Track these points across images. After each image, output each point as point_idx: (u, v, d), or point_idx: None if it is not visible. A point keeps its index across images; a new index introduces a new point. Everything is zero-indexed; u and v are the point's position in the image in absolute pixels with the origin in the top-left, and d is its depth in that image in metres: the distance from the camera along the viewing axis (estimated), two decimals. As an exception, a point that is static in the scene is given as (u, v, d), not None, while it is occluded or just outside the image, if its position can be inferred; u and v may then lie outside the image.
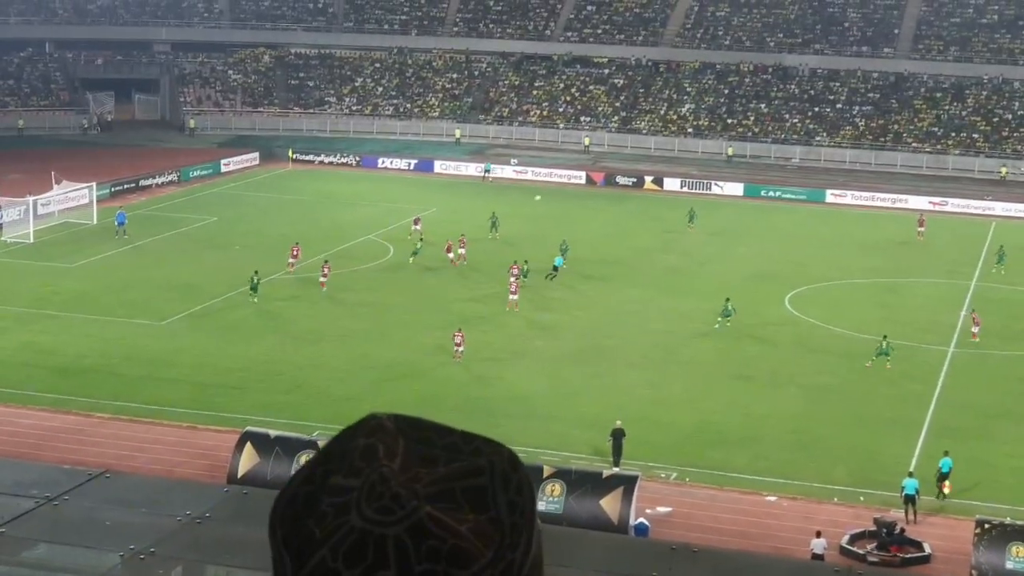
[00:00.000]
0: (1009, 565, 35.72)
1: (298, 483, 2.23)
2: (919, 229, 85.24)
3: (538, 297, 67.44)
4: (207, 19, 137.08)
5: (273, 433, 42.22)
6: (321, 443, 36.84)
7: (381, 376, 54.40)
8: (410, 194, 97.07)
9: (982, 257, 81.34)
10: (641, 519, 38.95)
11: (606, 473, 40.25)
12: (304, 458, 39.83)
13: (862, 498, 43.21)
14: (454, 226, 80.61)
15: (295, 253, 71.84)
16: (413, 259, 73.14)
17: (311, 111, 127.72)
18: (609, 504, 38.13)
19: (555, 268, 70.86)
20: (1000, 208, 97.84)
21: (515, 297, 64.82)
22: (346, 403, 50.74)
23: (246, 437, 41.73)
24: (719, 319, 62.24)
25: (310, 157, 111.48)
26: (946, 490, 42.86)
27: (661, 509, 41.25)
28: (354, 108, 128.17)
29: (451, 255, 73.81)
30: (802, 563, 32.32)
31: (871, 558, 37.93)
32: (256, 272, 65.56)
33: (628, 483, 38.92)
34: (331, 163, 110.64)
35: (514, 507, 2.16)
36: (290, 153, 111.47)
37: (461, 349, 56.58)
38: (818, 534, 37.84)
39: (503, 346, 59.14)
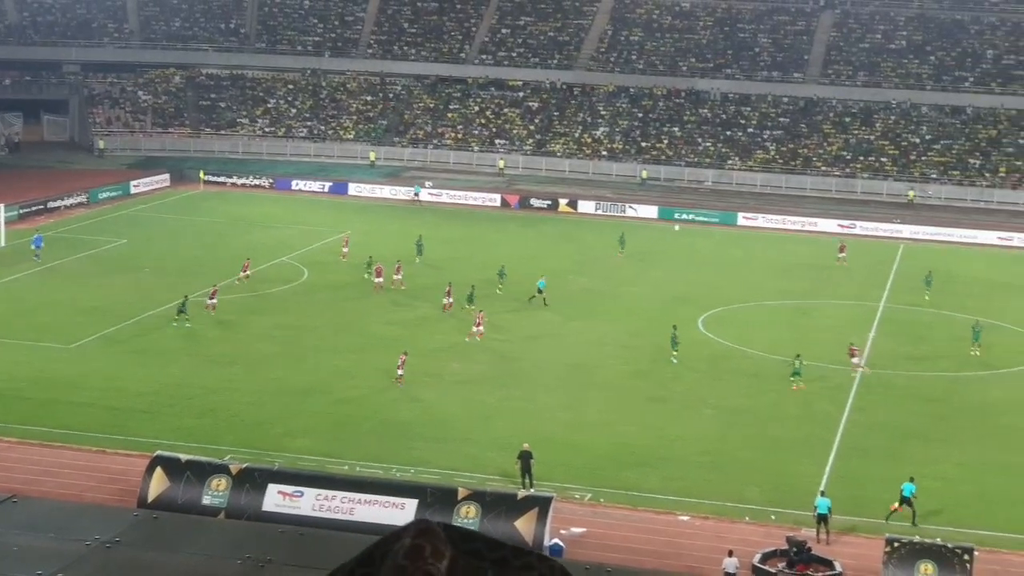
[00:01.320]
0: (917, 582, 36.17)
1: None
2: (840, 255, 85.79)
3: (455, 320, 67.40)
4: (117, 39, 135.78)
5: (184, 457, 41.79)
6: (233, 468, 36.42)
7: (294, 400, 54.07)
8: (325, 217, 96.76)
9: (890, 279, 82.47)
10: (556, 540, 39.02)
11: (521, 495, 40.29)
12: (216, 483, 39.58)
13: (773, 517, 43.60)
14: (368, 249, 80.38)
15: (246, 268, 74.17)
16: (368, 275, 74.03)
17: (223, 132, 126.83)
18: (524, 525, 38.15)
19: (539, 291, 70.78)
20: (908, 231, 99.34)
21: (479, 328, 64.04)
22: (258, 428, 50.48)
23: (156, 461, 41.28)
24: (674, 353, 62.05)
25: (222, 179, 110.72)
26: (891, 509, 43.23)
27: (575, 530, 41.35)
28: (267, 130, 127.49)
29: (379, 279, 73.43)
30: (715, 582, 32.51)
31: (782, 576, 38.25)
32: (186, 296, 64.97)
33: (543, 504, 38.98)
34: (244, 185, 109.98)
35: None
36: (201, 175, 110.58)
37: (401, 372, 56.25)
38: (730, 553, 38.11)
39: (419, 368, 58.97)
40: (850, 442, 51.54)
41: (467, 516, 38.27)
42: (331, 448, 48.23)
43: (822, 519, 41.58)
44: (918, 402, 57.36)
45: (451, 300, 69.03)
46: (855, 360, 61.47)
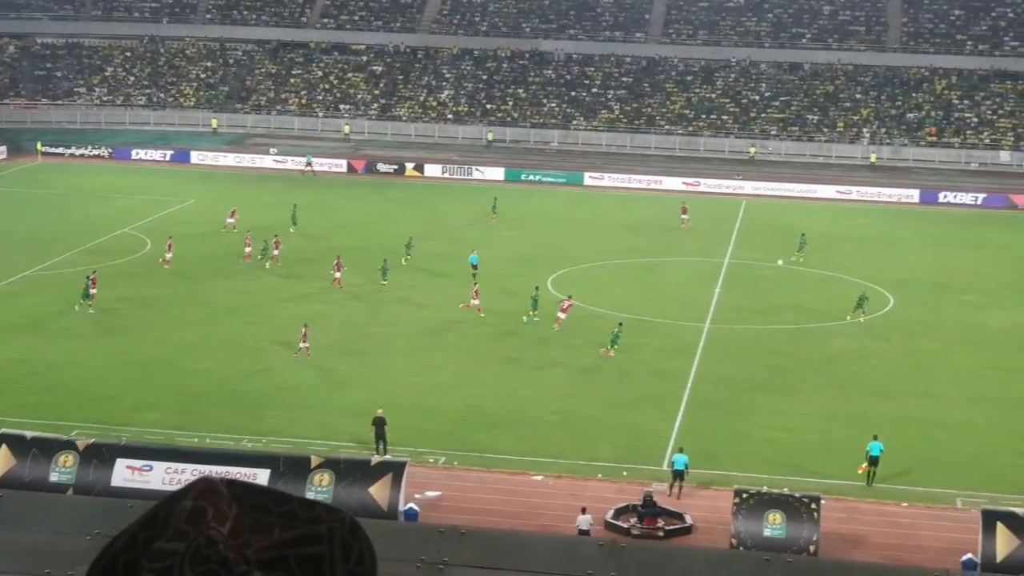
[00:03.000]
0: (767, 532, 36.89)
1: (119, 547, 2.09)
2: (683, 216, 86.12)
3: (300, 286, 66.88)
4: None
5: (29, 434, 40.94)
6: (80, 443, 35.72)
7: (141, 373, 53.25)
8: (167, 186, 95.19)
9: (734, 235, 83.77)
10: (411, 504, 39.05)
11: (374, 461, 40.23)
12: (63, 459, 38.85)
13: (625, 473, 44.15)
14: (214, 218, 79.26)
15: (232, 213, 78.25)
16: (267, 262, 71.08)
17: (60, 102, 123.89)
18: (378, 491, 38.13)
19: (473, 266, 69.52)
20: (750, 187, 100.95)
21: (476, 302, 62.93)
22: (105, 402, 49.64)
23: (1, 439, 40.38)
24: (531, 313, 62.16)
25: (60, 150, 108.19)
26: (860, 471, 43.74)
27: (430, 493, 41.43)
28: (105, 98, 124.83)
29: (248, 248, 72.41)
30: (568, 539, 32.83)
31: (634, 531, 38.76)
32: (88, 277, 62.84)
33: (397, 469, 38.97)
34: (83, 155, 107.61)
35: None
36: (39, 146, 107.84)
37: (306, 345, 55.47)
38: (584, 510, 38.50)
39: (268, 337, 58.49)
40: (698, 396, 52.36)
41: (321, 484, 38.11)
42: (180, 421, 47.64)
43: (678, 475, 42.09)
44: (763, 355, 58.43)
45: (340, 274, 67.08)
46: (563, 316, 61.13)
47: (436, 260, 73.73)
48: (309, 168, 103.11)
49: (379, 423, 44.96)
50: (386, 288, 66.29)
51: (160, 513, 2.10)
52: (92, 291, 61.97)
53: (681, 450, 43.17)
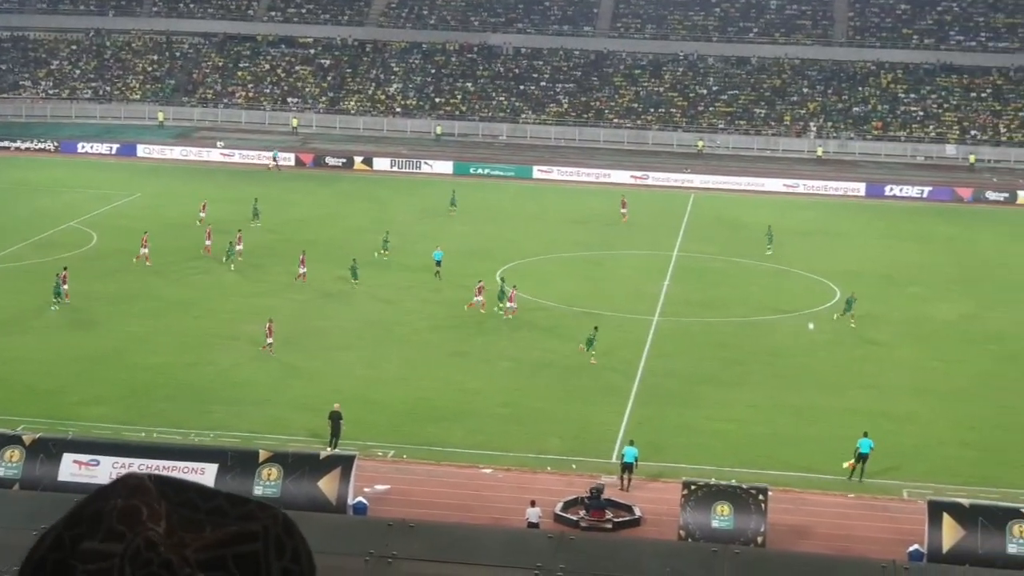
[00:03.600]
0: (714, 524, 37.08)
1: (45, 549, 2.04)
2: (622, 210, 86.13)
3: (250, 280, 66.58)
4: None
5: (-26, 430, 40.56)
6: (26, 438, 35.38)
7: (88, 368, 52.87)
8: (113, 179, 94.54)
9: (682, 228, 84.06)
10: (360, 498, 38.98)
11: (323, 455, 40.12)
12: (9, 454, 38.54)
13: (574, 466, 44.23)
14: (158, 211, 78.77)
15: (204, 207, 77.71)
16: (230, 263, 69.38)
17: (5, 95, 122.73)
18: (327, 485, 38.03)
19: (437, 263, 68.48)
20: (698, 180, 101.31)
21: (480, 298, 62.23)
22: (52, 397, 49.23)
23: (-55, 436, 40.00)
24: (500, 305, 62.21)
25: (5, 143, 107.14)
26: (846, 466, 43.71)
27: (379, 487, 41.38)
28: (51, 92, 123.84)
29: (208, 242, 71.80)
30: (517, 531, 32.88)
31: (583, 524, 38.86)
32: (58, 274, 61.95)
33: (345, 463, 38.88)
34: (28, 149, 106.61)
35: (289, 575, 2.09)
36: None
37: (271, 340, 54.98)
38: (533, 503, 38.56)
39: (215, 331, 58.22)
40: (647, 389, 52.52)
41: (269, 478, 37.99)
42: (127, 415, 47.35)
43: (627, 467, 42.16)
44: (711, 348, 58.68)
45: (305, 270, 66.24)
46: (480, 298, 61.59)
47: (383, 253, 73.52)
48: (275, 164, 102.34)
49: (335, 417, 44.81)
50: (357, 287, 65.34)
51: (85, 511, 2.06)
52: (64, 287, 61.09)
53: (631, 443, 43.22)
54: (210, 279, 67.20)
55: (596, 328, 56.53)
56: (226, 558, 2.04)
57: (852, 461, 43.85)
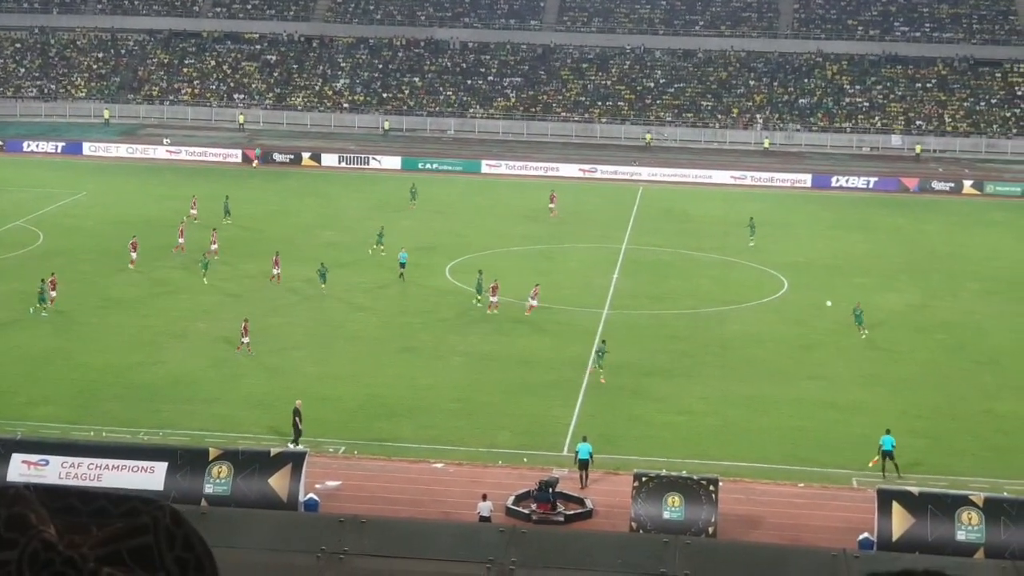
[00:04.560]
0: (666, 515, 37.20)
1: None
2: (551, 205, 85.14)
3: (197, 277, 66.18)
4: None
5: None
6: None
7: (35, 368, 52.43)
8: (59, 178, 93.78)
9: (631, 221, 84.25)
10: (311, 495, 38.88)
11: (274, 451, 39.95)
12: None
13: (526, 459, 44.27)
14: (105, 210, 78.16)
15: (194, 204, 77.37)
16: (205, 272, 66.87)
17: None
18: (278, 482, 37.88)
19: (401, 264, 67.39)
20: (646, 173, 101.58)
21: (495, 298, 61.37)
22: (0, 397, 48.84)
23: None
24: (476, 297, 62.04)
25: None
26: (872, 464, 43.78)
27: (330, 483, 41.28)
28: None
29: (181, 240, 71.34)
30: (469, 526, 32.85)
31: (535, 517, 38.90)
32: (44, 280, 60.86)
33: (296, 460, 38.75)
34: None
35: (184, 564, 2.09)
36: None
37: (247, 340, 54.60)
38: (484, 497, 38.56)
39: (163, 329, 57.87)
40: (597, 382, 52.55)
41: (219, 476, 37.80)
42: (75, 415, 47.02)
43: (583, 464, 42.10)
44: (661, 340, 58.86)
45: (278, 270, 65.22)
46: (495, 299, 61.27)
47: (334, 250, 73.26)
48: (258, 162, 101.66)
49: (296, 414, 44.61)
50: (325, 290, 64.02)
51: None
52: (52, 294, 59.89)
53: (584, 439, 43.08)
54: (156, 276, 66.75)
55: (604, 342, 54.40)
56: (121, 552, 2.06)
57: (877, 458, 43.92)
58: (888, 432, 44.20)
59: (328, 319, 60.36)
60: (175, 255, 70.54)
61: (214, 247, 70.39)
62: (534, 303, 60.86)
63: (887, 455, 43.70)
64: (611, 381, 52.53)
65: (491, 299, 61.39)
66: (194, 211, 79.07)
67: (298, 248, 72.00)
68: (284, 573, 22.05)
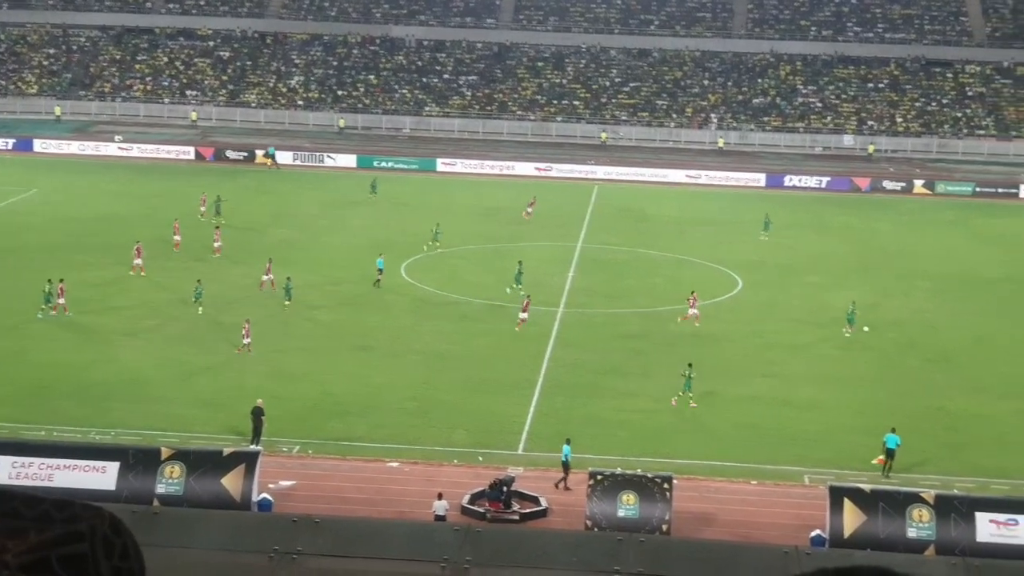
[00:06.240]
0: (620, 513, 37.27)
1: None
2: (528, 209, 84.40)
3: (154, 276, 65.78)
4: None
5: None
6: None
7: (-15, 366, 51.97)
8: (9, 175, 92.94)
9: (587, 219, 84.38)
10: (264, 494, 38.71)
11: (226, 451, 39.75)
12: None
13: (481, 458, 44.24)
14: (56, 208, 77.55)
15: (203, 201, 78.03)
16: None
17: None
18: (231, 482, 37.68)
19: (379, 270, 66.03)
20: (602, 172, 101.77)
21: (525, 315, 59.35)
22: (-52, 396, 48.38)
23: None
24: (511, 286, 62.18)
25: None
26: (878, 463, 43.82)
27: (284, 483, 41.11)
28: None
29: (177, 237, 71.31)
30: (424, 525, 32.81)
31: (489, 516, 38.89)
32: (49, 281, 59.90)
33: (250, 460, 38.56)
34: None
35: (119, 574, 2.07)
36: None
37: (248, 341, 54.17)
38: (440, 496, 38.51)
39: (114, 328, 57.48)
40: (553, 380, 52.66)
41: (172, 476, 37.57)
42: (26, 414, 46.58)
43: (565, 466, 41.91)
44: (616, 339, 58.96)
45: (270, 276, 63.93)
46: (525, 315, 59.66)
47: (287, 248, 73.02)
48: (273, 162, 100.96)
49: (257, 413, 44.36)
50: (289, 307, 61.60)
51: None
52: (60, 300, 58.69)
53: (568, 441, 42.73)
54: (107, 274, 66.26)
55: (690, 365, 51.17)
56: (50, 560, 2.04)
57: (882, 457, 44.06)
58: (893, 431, 44.35)
59: (282, 317, 60.09)
60: (176, 253, 70.25)
61: (217, 244, 70.58)
62: (525, 315, 59.86)
63: (890, 454, 43.92)
64: (566, 379, 52.62)
65: (522, 315, 59.33)
66: (203, 208, 79.54)
67: (251, 246, 71.62)
68: (237, 573, 21.95)
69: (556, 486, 41.72)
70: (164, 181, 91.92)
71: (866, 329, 60.57)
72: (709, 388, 51.99)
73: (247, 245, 71.51)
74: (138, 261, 66.47)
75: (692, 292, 62.09)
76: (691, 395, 50.35)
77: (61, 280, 60.00)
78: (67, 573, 2.02)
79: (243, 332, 54.59)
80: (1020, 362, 57.12)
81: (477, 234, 78.68)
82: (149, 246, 68.41)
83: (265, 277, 64.25)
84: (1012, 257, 77.66)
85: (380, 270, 66.34)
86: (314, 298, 63.24)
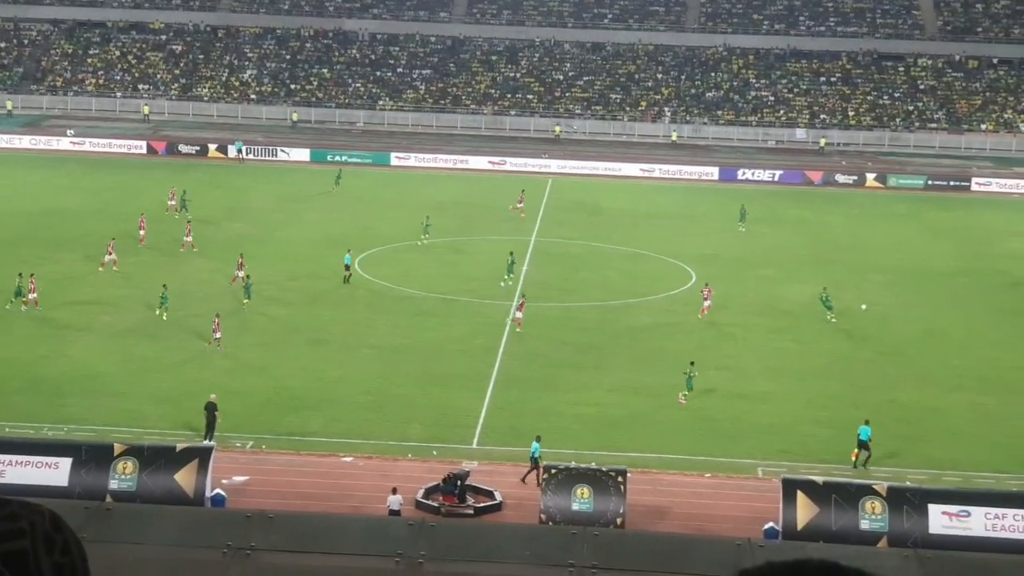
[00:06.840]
0: (575, 506, 37.34)
1: None
2: (518, 204, 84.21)
3: (108, 272, 65.37)
4: None
5: None
6: None
7: (-65, 362, 51.52)
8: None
9: (540, 213, 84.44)
10: (218, 490, 38.56)
11: (180, 447, 39.57)
12: None
13: (435, 452, 44.23)
14: (8, 203, 76.95)
15: (172, 195, 77.64)
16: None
17: None
18: (184, 478, 37.51)
19: (346, 267, 65.56)
20: (556, 165, 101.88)
21: (520, 315, 59.02)
22: None
23: None
24: (505, 277, 62.20)
25: None
26: (853, 457, 43.98)
27: (238, 478, 40.97)
28: None
29: (142, 232, 70.94)
30: (378, 519, 32.74)
31: (444, 510, 38.89)
32: (20, 275, 59.36)
33: (203, 455, 38.39)
34: None
35: (60, 569, 2.06)
36: None
37: (219, 336, 53.90)
38: (394, 490, 38.49)
39: (67, 323, 57.10)
40: (507, 374, 52.71)
41: (125, 472, 37.37)
42: (-23, 411, 46.21)
43: (535, 462, 41.86)
44: (571, 332, 59.05)
45: (242, 273, 62.78)
46: (520, 315, 59.60)
47: (241, 242, 72.70)
48: (240, 156, 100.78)
49: (211, 408, 44.14)
50: (247, 307, 60.73)
51: None
52: (32, 295, 58.34)
53: (538, 439, 42.70)
54: (61, 269, 65.80)
55: (692, 363, 50.91)
56: None
57: (857, 451, 44.23)
58: (867, 423, 44.62)
59: (236, 311, 59.83)
60: (141, 248, 69.81)
61: (188, 239, 70.16)
62: (520, 315, 59.73)
63: (862, 445, 44.16)
64: (520, 373, 52.66)
65: (517, 315, 59.13)
66: (172, 202, 79.18)
67: (206, 241, 71.25)
68: (190, 569, 21.85)
69: (523, 480, 41.73)
70: (116, 175, 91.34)
71: (833, 320, 61.10)
72: (664, 382, 52.12)
73: (203, 239, 71.07)
74: (110, 257, 65.86)
75: (706, 284, 62.52)
76: (686, 393, 50.09)
77: (32, 274, 59.49)
78: (8, 570, 2.02)
79: (213, 326, 54.33)
80: (972, 355, 57.62)
81: (431, 228, 78.48)
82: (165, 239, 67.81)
83: (239, 273, 63.28)
84: (963, 250, 78.32)
85: (347, 266, 66.02)
86: (270, 292, 62.99)
